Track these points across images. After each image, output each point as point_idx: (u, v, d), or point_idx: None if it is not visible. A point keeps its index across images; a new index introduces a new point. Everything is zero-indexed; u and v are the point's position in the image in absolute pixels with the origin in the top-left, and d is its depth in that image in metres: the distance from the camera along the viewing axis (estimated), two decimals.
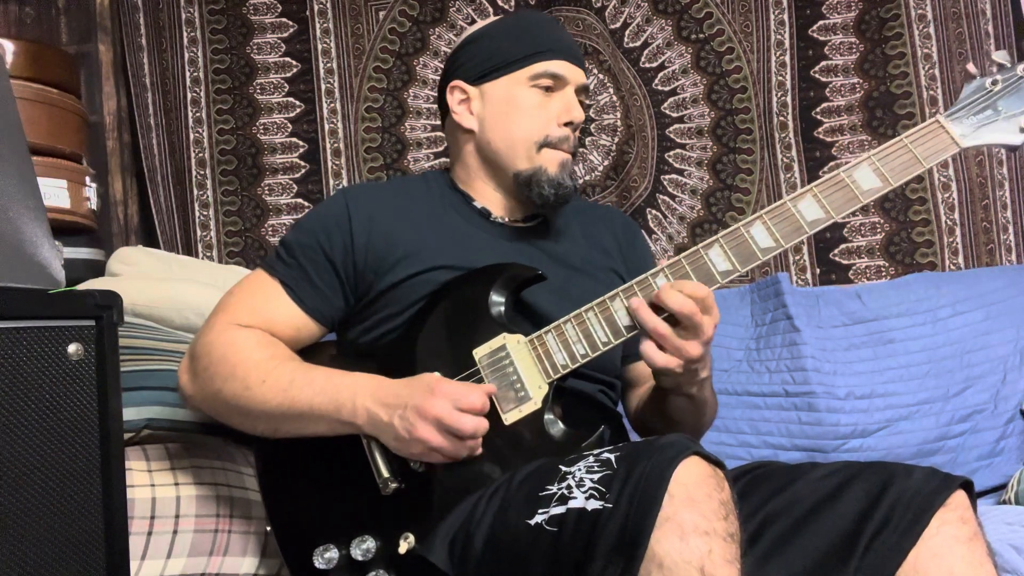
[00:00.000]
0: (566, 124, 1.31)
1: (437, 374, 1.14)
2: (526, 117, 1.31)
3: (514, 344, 1.17)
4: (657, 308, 1.11)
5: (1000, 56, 1.14)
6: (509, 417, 1.15)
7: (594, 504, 0.91)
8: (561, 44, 1.33)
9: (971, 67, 1.16)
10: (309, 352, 1.29)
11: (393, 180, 1.45)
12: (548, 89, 1.32)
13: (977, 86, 1.14)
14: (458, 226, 1.32)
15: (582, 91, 1.35)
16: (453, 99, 1.35)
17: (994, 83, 1.14)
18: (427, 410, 1.08)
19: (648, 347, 1.10)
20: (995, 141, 1.13)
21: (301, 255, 1.27)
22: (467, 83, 1.34)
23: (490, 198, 1.35)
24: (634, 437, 1.40)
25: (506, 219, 1.35)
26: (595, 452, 0.99)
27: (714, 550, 0.86)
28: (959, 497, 1.01)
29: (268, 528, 1.24)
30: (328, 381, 1.16)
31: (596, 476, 0.94)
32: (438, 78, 1.62)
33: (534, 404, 1.15)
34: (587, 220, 1.44)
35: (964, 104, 1.14)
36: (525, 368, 1.16)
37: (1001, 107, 1.13)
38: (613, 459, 0.95)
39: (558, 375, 1.16)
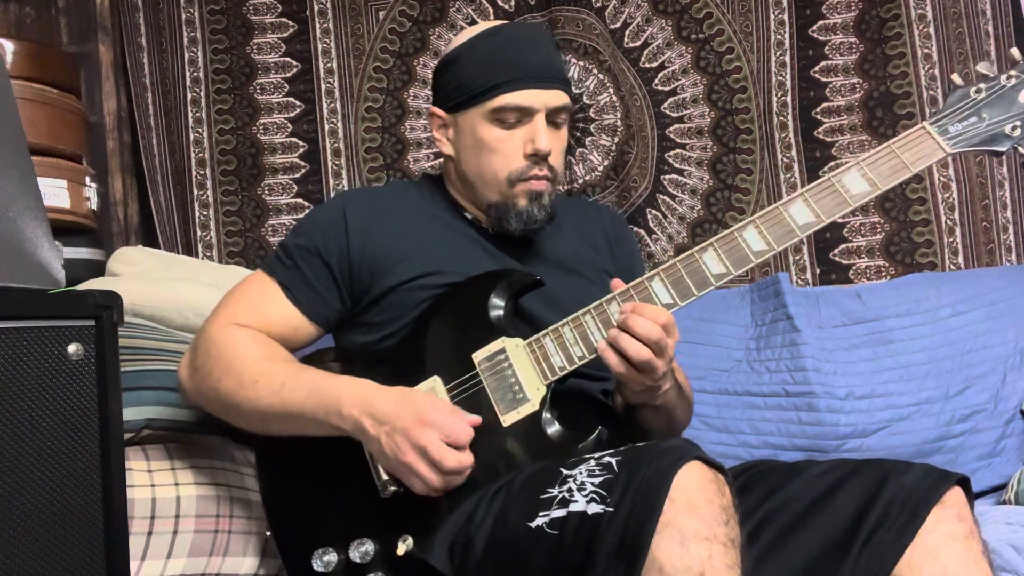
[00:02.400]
0: (531, 155, 1.27)
1: (430, 394, 1.15)
2: (490, 154, 1.28)
3: (512, 347, 1.18)
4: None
5: (983, 67, 1.17)
6: (507, 419, 1.15)
7: (595, 508, 0.91)
8: (525, 70, 1.25)
9: (956, 77, 1.19)
10: (309, 360, 1.29)
11: (390, 186, 1.45)
12: (515, 122, 1.27)
13: (962, 94, 1.17)
14: (452, 233, 1.33)
15: (559, 112, 1.29)
16: (433, 124, 1.35)
17: (978, 91, 1.16)
18: (416, 438, 1.08)
19: (609, 355, 1.11)
20: (979, 147, 1.16)
21: (299, 257, 1.29)
22: (442, 110, 1.34)
23: (477, 212, 1.36)
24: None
25: (497, 228, 1.34)
26: (596, 455, 0.99)
27: (714, 556, 0.86)
28: (955, 494, 1.01)
29: (268, 533, 1.25)
30: (317, 386, 1.17)
31: (597, 480, 0.94)
32: None
33: (532, 406, 1.15)
34: (578, 219, 1.44)
35: (949, 111, 1.16)
36: (523, 370, 1.16)
37: (985, 115, 1.15)
38: (614, 463, 0.95)
39: (556, 377, 1.16)
